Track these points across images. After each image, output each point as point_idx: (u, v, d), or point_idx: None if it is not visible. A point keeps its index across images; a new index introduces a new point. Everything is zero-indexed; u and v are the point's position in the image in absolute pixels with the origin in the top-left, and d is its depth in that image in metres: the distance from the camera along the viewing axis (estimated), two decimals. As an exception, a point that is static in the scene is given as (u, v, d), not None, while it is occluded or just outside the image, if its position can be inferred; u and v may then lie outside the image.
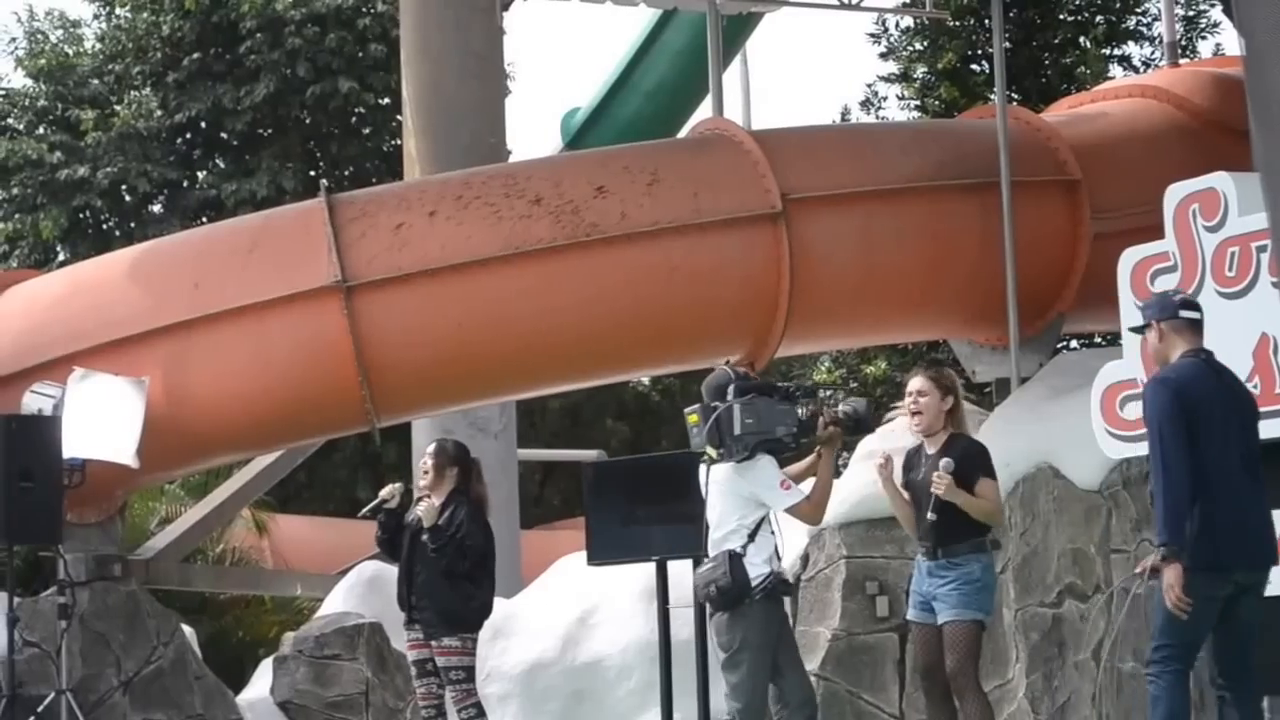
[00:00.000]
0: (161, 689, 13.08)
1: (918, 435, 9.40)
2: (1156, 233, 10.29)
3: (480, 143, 16.06)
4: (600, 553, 11.88)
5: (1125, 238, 11.21)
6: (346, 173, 27.14)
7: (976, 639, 9.11)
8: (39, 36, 28.37)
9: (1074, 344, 19.50)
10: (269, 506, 20.35)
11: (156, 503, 18.51)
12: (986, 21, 21.22)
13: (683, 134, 17.29)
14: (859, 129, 20.58)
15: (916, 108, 23.91)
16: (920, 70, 23.90)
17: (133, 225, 26.52)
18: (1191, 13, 23.64)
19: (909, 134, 15.80)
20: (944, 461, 9.07)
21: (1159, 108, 14.94)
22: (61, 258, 25.95)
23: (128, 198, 26.82)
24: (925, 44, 23.75)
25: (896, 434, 10.29)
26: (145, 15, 27.31)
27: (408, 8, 16.67)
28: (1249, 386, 8.71)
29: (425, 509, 10.59)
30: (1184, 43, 22.41)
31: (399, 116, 20.11)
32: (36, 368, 12.96)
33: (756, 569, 8.68)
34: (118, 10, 28.05)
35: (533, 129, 54.06)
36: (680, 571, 11.34)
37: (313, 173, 26.90)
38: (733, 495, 8.76)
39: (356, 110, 27.08)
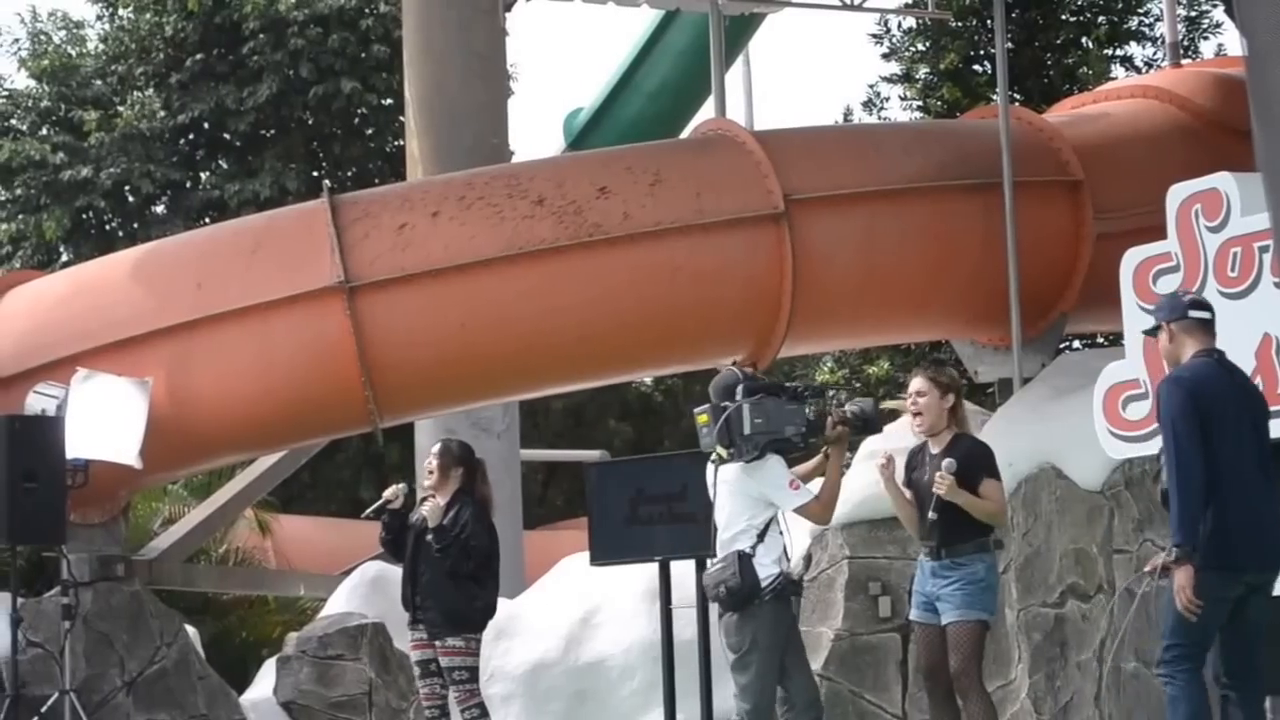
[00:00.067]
0: (165, 689, 13.09)
1: (920, 436, 9.41)
2: (1159, 233, 10.29)
3: (483, 143, 16.07)
4: (603, 553, 11.89)
5: (1128, 238, 11.21)
6: (349, 173, 27.16)
7: (980, 639, 9.11)
8: (42, 37, 28.39)
9: (1076, 344, 19.50)
10: (272, 507, 20.36)
11: (160, 503, 18.50)
12: (989, 22, 21.23)
13: (685, 134, 17.30)
14: (861, 129, 20.57)
15: (919, 108, 23.90)
16: (922, 71, 23.89)
17: (136, 226, 26.54)
18: (1193, 13, 23.63)
19: (911, 134, 15.79)
20: (946, 462, 9.07)
21: (1161, 108, 14.95)
22: (64, 258, 25.96)
23: (131, 198, 26.82)
24: (927, 44, 23.74)
25: (899, 434, 10.29)
26: (148, 16, 27.33)
27: (410, 8, 16.68)
28: (1252, 387, 8.71)
29: (430, 509, 10.59)
30: (1186, 43, 22.40)
31: (402, 117, 20.10)
32: (40, 368, 12.96)
33: (766, 569, 8.68)
34: (121, 11, 28.06)
35: (535, 129, 54.16)
36: (683, 572, 11.35)
37: (315, 173, 26.92)
38: (742, 495, 8.76)
39: (359, 111, 27.09)
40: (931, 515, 9.08)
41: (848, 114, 25.49)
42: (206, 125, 27.28)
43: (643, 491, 11.60)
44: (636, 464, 13.26)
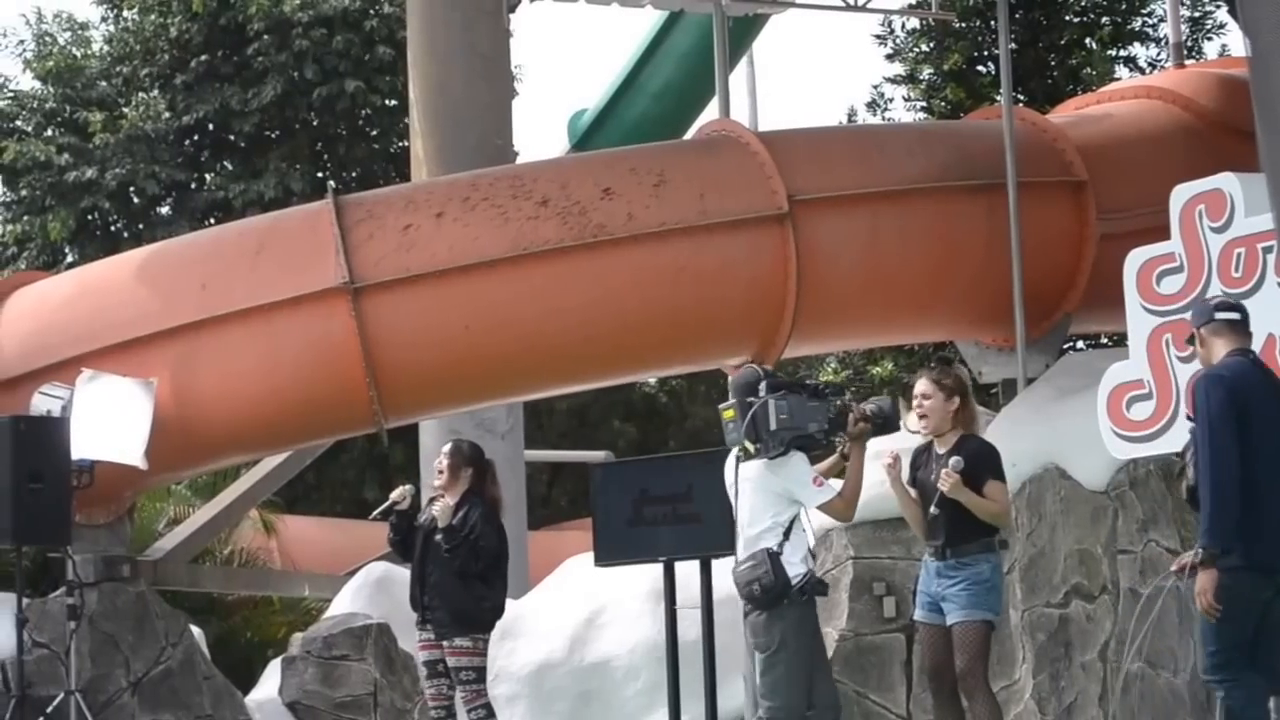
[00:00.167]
0: (170, 689, 13.08)
1: (927, 437, 9.42)
2: (1163, 233, 10.29)
3: (487, 144, 16.07)
4: (608, 554, 11.89)
5: (1131, 238, 11.22)
6: (354, 174, 27.16)
7: (986, 639, 9.11)
8: (47, 39, 28.40)
9: (1080, 345, 19.50)
10: (277, 507, 20.36)
11: (165, 504, 18.51)
12: (992, 23, 21.25)
13: (689, 135, 17.30)
14: (865, 130, 20.58)
15: (923, 109, 23.90)
16: (926, 71, 23.90)
17: (141, 227, 26.54)
18: (1197, 14, 23.65)
19: (915, 135, 15.80)
20: (954, 460, 9.09)
21: (1165, 109, 14.95)
22: (70, 259, 25.97)
23: (136, 199, 26.85)
24: (931, 45, 23.75)
25: (904, 434, 10.29)
26: (153, 17, 27.34)
27: (414, 9, 16.68)
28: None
29: (440, 509, 10.60)
30: (1189, 44, 22.40)
31: (406, 118, 20.09)
32: (45, 369, 12.97)
33: (794, 568, 8.67)
34: (125, 12, 28.07)
35: (539, 130, 54.14)
36: (688, 572, 11.35)
37: (320, 174, 26.93)
38: (765, 492, 8.74)
39: (363, 112, 27.10)
40: (933, 510, 9.08)
41: (852, 115, 25.52)
42: (211, 126, 27.29)
43: (647, 492, 11.60)
44: (641, 465, 13.27)
